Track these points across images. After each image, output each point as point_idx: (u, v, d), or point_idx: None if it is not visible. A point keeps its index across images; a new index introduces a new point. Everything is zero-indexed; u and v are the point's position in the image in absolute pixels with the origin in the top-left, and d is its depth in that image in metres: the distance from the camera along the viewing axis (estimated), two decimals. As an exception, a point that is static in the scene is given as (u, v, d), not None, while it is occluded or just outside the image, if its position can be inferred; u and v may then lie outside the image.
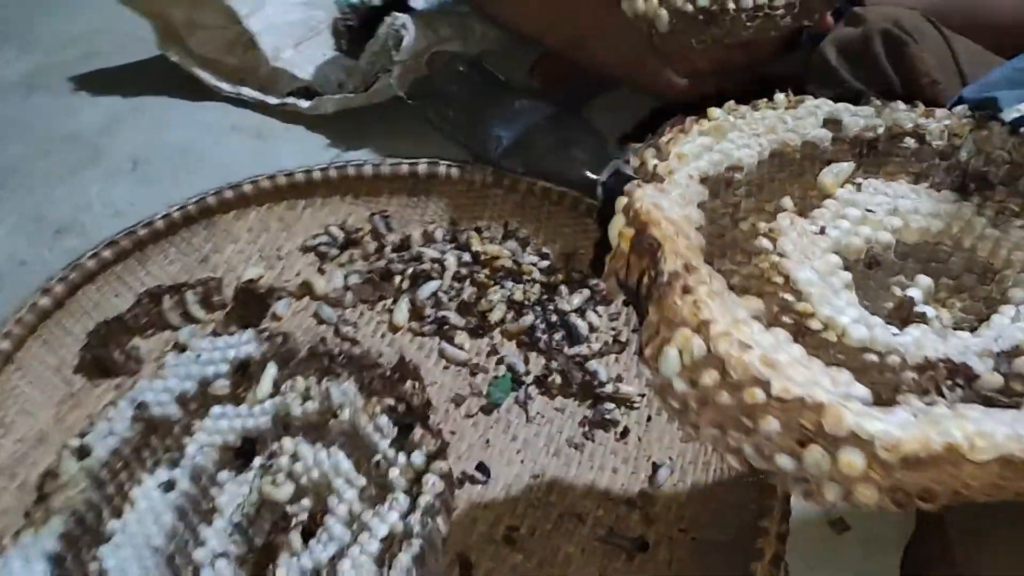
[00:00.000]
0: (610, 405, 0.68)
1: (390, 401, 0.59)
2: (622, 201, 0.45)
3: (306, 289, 0.78)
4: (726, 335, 0.37)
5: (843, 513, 0.62)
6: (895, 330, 0.42)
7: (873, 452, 0.33)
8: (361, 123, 0.98)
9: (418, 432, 0.56)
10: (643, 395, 0.69)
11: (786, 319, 0.42)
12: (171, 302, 0.74)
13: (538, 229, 0.80)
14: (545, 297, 0.75)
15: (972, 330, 0.42)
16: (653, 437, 0.66)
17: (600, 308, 0.75)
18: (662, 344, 0.39)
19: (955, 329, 0.43)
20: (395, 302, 0.77)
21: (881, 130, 0.51)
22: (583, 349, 0.72)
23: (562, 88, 0.95)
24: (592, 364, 0.71)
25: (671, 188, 0.45)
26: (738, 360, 0.36)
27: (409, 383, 0.59)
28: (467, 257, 0.78)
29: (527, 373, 0.71)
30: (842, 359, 0.40)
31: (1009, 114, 0.55)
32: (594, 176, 0.86)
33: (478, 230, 0.80)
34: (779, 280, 0.44)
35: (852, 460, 0.34)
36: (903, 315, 0.43)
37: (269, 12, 1.02)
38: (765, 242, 0.45)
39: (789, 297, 0.43)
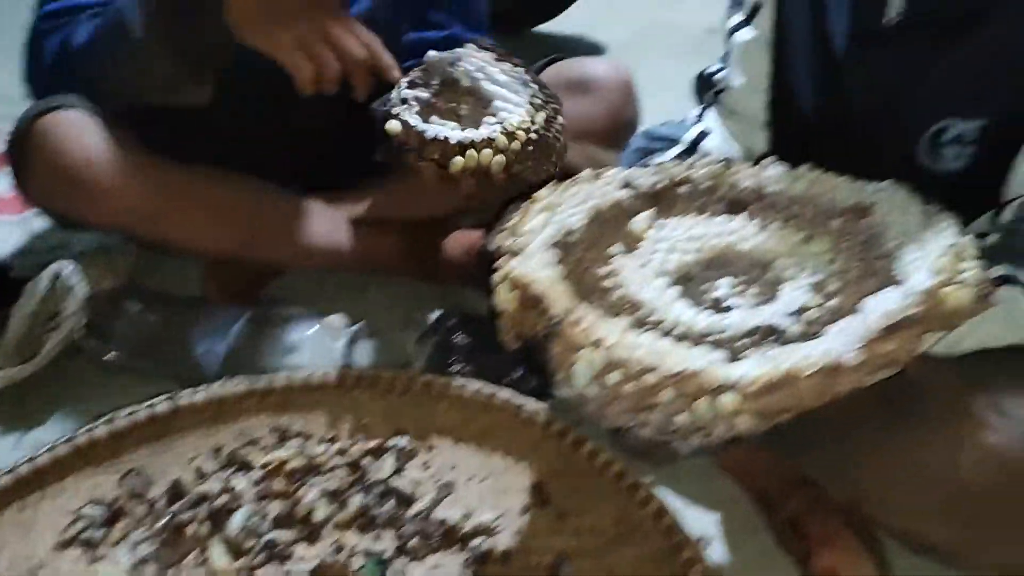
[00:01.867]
0: (477, 540, 0.70)
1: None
2: (499, 276, 0.57)
3: (92, 586, 0.66)
4: (619, 343, 0.52)
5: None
6: (721, 316, 0.57)
7: (741, 390, 0.48)
8: (24, 395, 0.85)
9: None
10: (499, 516, 0.72)
11: (648, 327, 0.56)
12: None
13: (310, 420, 0.78)
14: (357, 476, 0.74)
15: (768, 304, 0.58)
16: (531, 546, 0.70)
17: (411, 463, 0.76)
18: (570, 366, 0.52)
19: (757, 306, 0.58)
20: (204, 551, 0.69)
21: (662, 184, 0.66)
22: (423, 504, 0.72)
23: (237, 288, 0.95)
24: (438, 513, 0.72)
25: (530, 257, 0.58)
26: (631, 357, 0.50)
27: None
28: (256, 474, 0.74)
29: (385, 550, 0.70)
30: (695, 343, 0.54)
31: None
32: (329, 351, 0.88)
33: (252, 443, 0.76)
34: (630, 305, 0.58)
35: (728, 400, 0.48)
36: (719, 308, 0.58)
37: None
38: (611, 280, 0.60)
39: (643, 313, 0.57)
